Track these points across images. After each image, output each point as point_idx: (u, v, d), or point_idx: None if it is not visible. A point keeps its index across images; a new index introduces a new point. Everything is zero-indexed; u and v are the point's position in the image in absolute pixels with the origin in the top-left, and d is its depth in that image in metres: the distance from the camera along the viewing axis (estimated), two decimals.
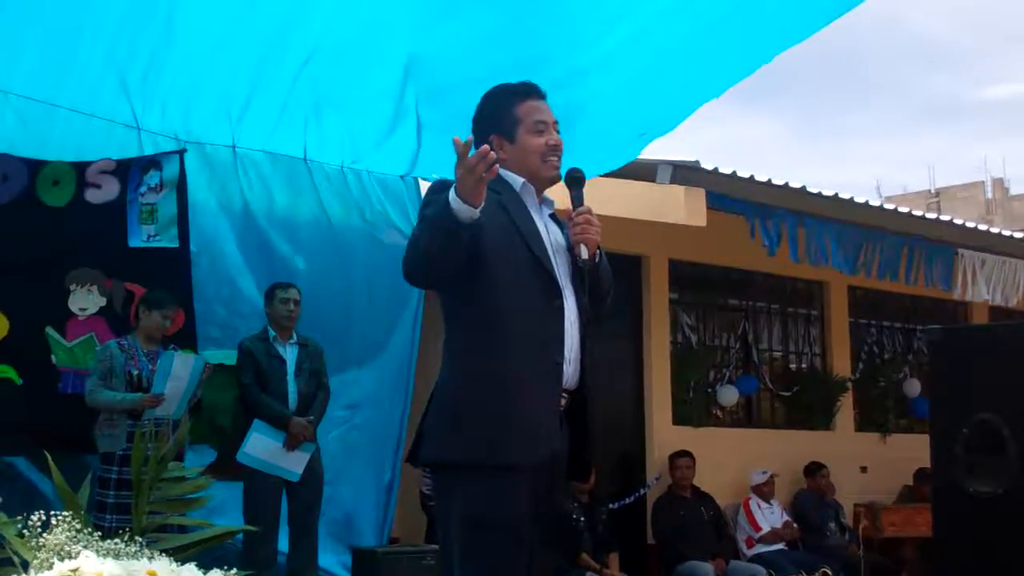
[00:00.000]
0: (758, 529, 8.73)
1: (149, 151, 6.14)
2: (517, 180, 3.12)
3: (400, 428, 6.90)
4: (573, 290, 3.10)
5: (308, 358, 6.27)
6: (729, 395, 9.49)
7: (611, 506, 8.26)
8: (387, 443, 6.90)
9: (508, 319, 2.96)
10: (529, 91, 3.18)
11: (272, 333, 6.20)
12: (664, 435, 8.97)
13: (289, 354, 6.21)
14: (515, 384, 2.94)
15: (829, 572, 7.36)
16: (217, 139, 6.40)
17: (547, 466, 2.99)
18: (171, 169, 6.10)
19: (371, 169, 6.94)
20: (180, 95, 5.77)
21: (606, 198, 8.19)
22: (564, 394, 3.06)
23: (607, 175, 7.60)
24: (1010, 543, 4.10)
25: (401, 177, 7.04)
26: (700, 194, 7.52)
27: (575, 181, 3.12)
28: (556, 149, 3.13)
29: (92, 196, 6.00)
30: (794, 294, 10.39)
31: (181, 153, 6.16)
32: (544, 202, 3.19)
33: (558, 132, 3.17)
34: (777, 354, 10.29)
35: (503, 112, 3.16)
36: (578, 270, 3.09)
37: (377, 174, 6.98)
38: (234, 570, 2.44)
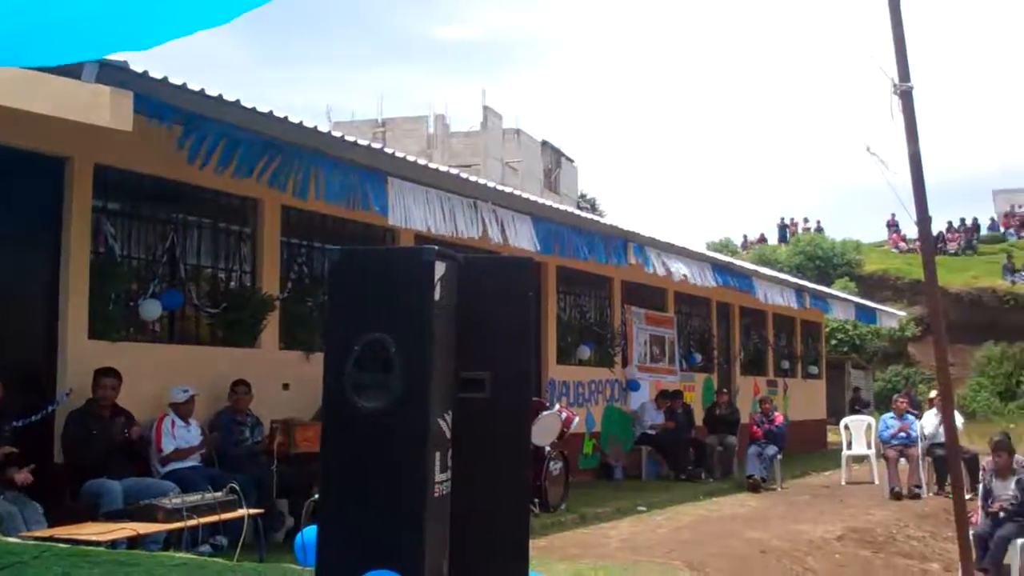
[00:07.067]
0: (171, 447, 8.61)
1: None
2: None
3: None
4: None
5: None
6: (152, 309, 9.17)
7: (16, 423, 7.73)
8: None
9: None
10: None
11: None
12: (79, 350, 8.52)
13: None
14: None
15: (236, 487, 7.46)
16: None
17: None
18: None
19: None
20: None
21: (24, 92, 7.53)
22: None
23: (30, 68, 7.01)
24: (392, 455, 4.33)
25: None
26: (127, 96, 7.11)
27: None
28: None
29: None
30: (227, 210, 10.24)
31: None
32: None
33: None
34: (206, 270, 10.12)
35: None
36: None
37: None
38: None
